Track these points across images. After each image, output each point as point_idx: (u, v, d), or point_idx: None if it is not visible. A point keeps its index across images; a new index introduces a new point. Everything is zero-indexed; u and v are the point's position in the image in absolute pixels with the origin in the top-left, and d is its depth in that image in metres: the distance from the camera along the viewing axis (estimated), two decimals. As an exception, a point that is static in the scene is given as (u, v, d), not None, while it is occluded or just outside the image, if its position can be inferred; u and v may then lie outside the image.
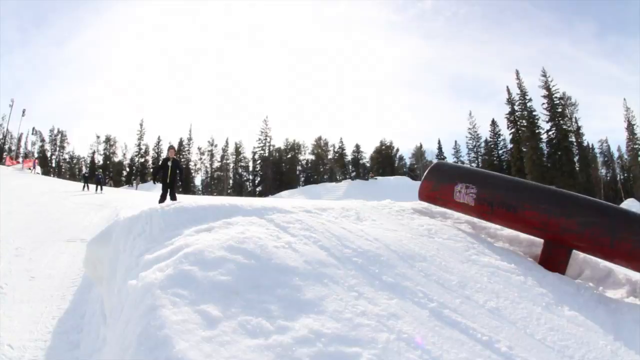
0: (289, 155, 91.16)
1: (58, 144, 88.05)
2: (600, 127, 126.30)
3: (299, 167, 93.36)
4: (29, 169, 39.21)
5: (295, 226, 3.63)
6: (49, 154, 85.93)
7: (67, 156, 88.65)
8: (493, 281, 3.91)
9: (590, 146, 77.54)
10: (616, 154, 79.52)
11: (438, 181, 5.94)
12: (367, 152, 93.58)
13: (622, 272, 5.04)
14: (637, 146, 71.87)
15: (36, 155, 76.23)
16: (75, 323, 5.03)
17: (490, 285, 3.81)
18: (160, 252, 2.70)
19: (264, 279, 2.57)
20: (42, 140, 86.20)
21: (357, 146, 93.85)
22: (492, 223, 5.72)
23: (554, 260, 5.00)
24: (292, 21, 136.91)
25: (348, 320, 2.42)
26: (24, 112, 41.78)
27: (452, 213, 6.00)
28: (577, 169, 69.17)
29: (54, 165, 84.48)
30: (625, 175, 79.28)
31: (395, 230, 4.48)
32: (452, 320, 2.87)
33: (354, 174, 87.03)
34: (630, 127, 70.10)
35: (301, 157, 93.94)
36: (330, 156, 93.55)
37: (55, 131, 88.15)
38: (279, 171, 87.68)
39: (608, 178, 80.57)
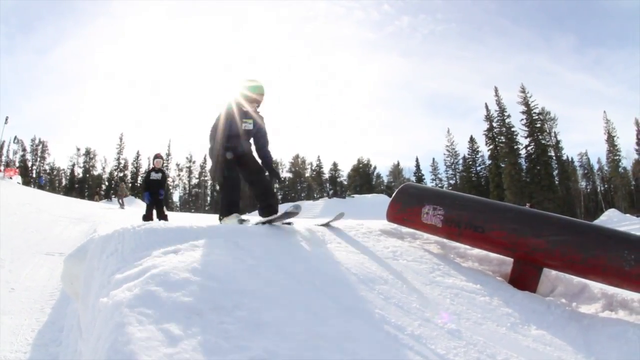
0: (267, 174, 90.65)
1: (39, 154, 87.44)
2: (580, 140, 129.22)
3: (277, 185, 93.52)
4: (10, 177, 38.56)
5: (259, 249, 3.62)
6: (29, 164, 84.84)
7: (47, 167, 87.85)
8: (456, 303, 3.88)
9: (570, 160, 78.90)
10: (596, 166, 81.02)
11: (406, 203, 5.95)
12: (345, 170, 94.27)
13: (597, 286, 5.04)
14: (617, 157, 73.20)
15: (17, 164, 74.81)
16: (53, 336, 5.16)
17: (453, 306, 3.78)
18: (129, 272, 2.75)
19: (225, 301, 2.59)
20: (24, 150, 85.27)
21: (335, 164, 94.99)
22: (461, 244, 5.74)
23: (524, 278, 5.01)
24: (268, 38, 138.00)
25: (303, 341, 2.43)
26: (7, 119, 40.89)
27: (421, 233, 5.98)
28: (557, 182, 69.88)
29: (34, 175, 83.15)
30: (606, 186, 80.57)
31: (359, 253, 4.45)
32: (408, 342, 2.83)
33: (331, 192, 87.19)
34: (610, 139, 71.62)
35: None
36: (307, 174, 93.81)
37: (37, 141, 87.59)
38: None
39: (588, 190, 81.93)
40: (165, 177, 12.32)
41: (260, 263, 3.35)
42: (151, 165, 13.33)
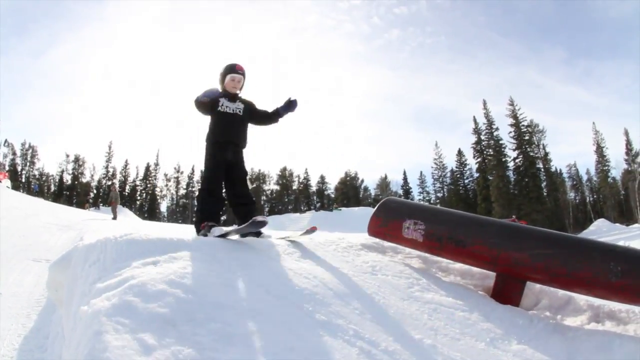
0: (254, 185, 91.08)
1: (29, 159, 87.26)
2: (569, 152, 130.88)
3: (264, 197, 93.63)
4: None
5: (236, 263, 3.63)
6: (19, 168, 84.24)
7: (36, 172, 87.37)
8: (434, 318, 3.84)
9: (559, 171, 79.80)
10: (585, 177, 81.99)
11: (387, 217, 5.90)
12: (332, 183, 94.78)
13: (583, 298, 5.02)
14: (606, 168, 74.07)
15: (7, 168, 74.00)
16: (39, 342, 5.21)
17: (430, 322, 3.74)
18: (110, 281, 2.80)
19: (199, 313, 2.63)
20: (14, 154, 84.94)
21: (322, 177, 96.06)
22: (443, 258, 5.71)
23: (506, 292, 4.97)
24: (257, 50, 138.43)
25: (274, 354, 2.47)
26: (-3, 122, 40.50)
27: (403, 247, 5.95)
28: (545, 194, 70.43)
29: (23, 180, 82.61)
30: (595, 196, 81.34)
31: (338, 268, 4.40)
32: (381, 358, 2.82)
33: (318, 204, 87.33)
34: (599, 150, 72.74)
35: (266, 187, 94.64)
36: (295, 187, 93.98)
37: (27, 145, 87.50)
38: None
39: (577, 201, 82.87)
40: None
41: (236, 277, 3.36)
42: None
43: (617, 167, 73.28)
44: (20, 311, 6.12)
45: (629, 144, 68.41)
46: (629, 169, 70.79)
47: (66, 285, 3.68)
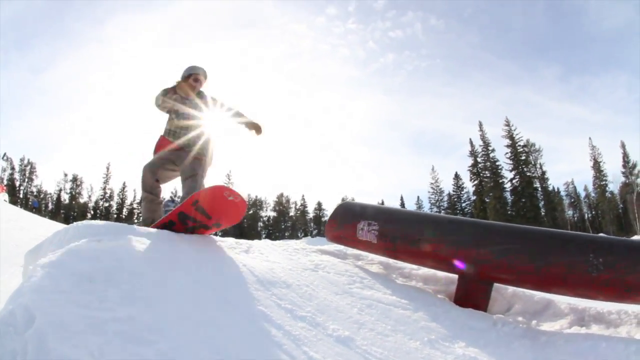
0: (251, 212, 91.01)
1: (27, 175, 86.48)
2: (567, 170, 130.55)
3: (260, 224, 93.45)
4: None
5: (168, 247, 3.76)
6: (17, 184, 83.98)
7: (34, 189, 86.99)
8: (365, 313, 3.64)
9: (556, 190, 79.55)
10: (583, 194, 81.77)
11: (342, 220, 5.73)
12: (329, 209, 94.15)
13: (564, 301, 4.64)
14: (604, 183, 73.98)
15: (5, 182, 73.72)
16: None
17: (359, 316, 3.54)
18: (59, 250, 3.05)
19: (117, 277, 2.88)
20: (12, 169, 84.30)
21: (319, 203, 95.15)
22: (399, 260, 5.45)
23: (470, 296, 4.58)
24: (252, 75, 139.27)
25: (163, 314, 2.68)
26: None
27: (366, 255, 5.76)
28: (543, 213, 70.28)
29: (21, 196, 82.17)
30: (594, 212, 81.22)
31: (278, 262, 4.29)
32: (280, 341, 2.79)
33: (315, 231, 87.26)
34: (596, 165, 72.60)
35: (263, 214, 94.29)
36: (292, 213, 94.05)
37: (26, 161, 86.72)
38: (240, 227, 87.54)
39: (575, 218, 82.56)
40: None
41: (162, 258, 3.46)
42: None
43: (615, 180, 73.14)
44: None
45: (625, 156, 67.98)
46: (627, 181, 70.87)
47: (34, 266, 4.03)
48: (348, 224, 5.56)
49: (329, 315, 3.36)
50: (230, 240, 4.64)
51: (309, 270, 4.32)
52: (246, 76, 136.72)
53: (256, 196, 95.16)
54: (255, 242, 4.96)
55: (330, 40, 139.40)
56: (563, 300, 4.66)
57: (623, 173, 71.08)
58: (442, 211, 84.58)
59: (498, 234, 4.63)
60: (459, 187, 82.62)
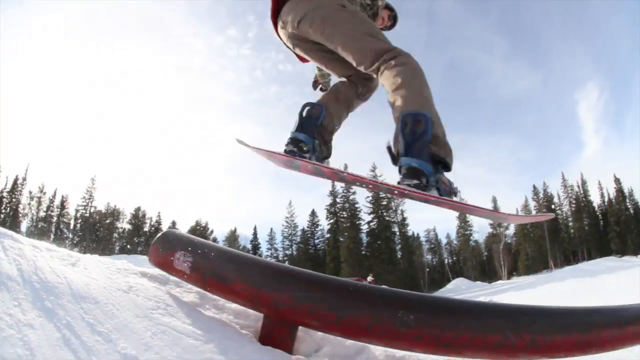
0: (108, 221, 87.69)
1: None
2: (430, 218, 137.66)
3: (116, 235, 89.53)
4: None
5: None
6: None
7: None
8: (157, 338, 3.99)
9: (416, 235, 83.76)
10: (444, 240, 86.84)
11: (163, 247, 5.82)
12: (183, 230, 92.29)
13: (380, 348, 4.48)
14: (468, 232, 78.90)
15: None
16: None
17: (150, 339, 3.90)
18: None
19: None
20: None
21: (174, 222, 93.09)
22: (211, 294, 5.73)
23: (274, 336, 4.84)
24: (134, 79, 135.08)
25: None
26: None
27: (187, 283, 5.96)
28: (399, 256, 73.26)
29: None
30: (455, 258, 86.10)
31: (96, 280, 4.47)
32: (75, 348, 2.81)
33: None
34: (461, 215, 77.09)
35: (119, 225, 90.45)
36: (146, 229, 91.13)
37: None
38: (96, 235, 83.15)
39: (434, 262, 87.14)
40: None
41: None
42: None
43: (481, 231, 78.89)
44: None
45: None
46: (494, 232, 76.29)
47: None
48: (167, 252, 5.77)
49: (122, 334, 3.66)
50: (64, 252, 4.51)
51: (120, 291, 4.55)
52: (129, 80, 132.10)
53: (115, 205, 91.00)
54: (85, 257, 4.93)
55: (221, 61, 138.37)
56: (379, 348, 4.52)
57: (491, 225, 76.96)
58: (294, 245, 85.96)
59: (299, 281, 4.99)
60: (314, 224, 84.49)
